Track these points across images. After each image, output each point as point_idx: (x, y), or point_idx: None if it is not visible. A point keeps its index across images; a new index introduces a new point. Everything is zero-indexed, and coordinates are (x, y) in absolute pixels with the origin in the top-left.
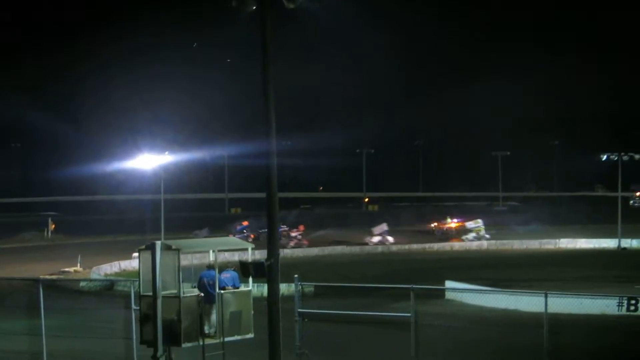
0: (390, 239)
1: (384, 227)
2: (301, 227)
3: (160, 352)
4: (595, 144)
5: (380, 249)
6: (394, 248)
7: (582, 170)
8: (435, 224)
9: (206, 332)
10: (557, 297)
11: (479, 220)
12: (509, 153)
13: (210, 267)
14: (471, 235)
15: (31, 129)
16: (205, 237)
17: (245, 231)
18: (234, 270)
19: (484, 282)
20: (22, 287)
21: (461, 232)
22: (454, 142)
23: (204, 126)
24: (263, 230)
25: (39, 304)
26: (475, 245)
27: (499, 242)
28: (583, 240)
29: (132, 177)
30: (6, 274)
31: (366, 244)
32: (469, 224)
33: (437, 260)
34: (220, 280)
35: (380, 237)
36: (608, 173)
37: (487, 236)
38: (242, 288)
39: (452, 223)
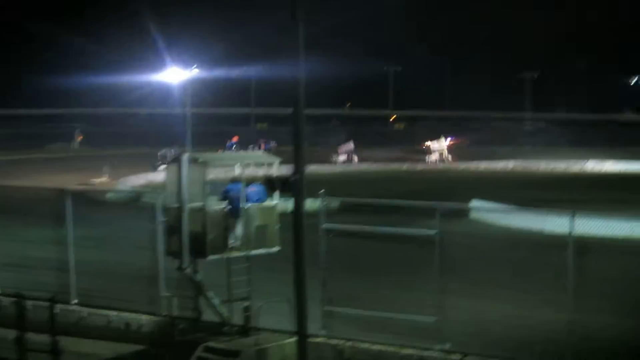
0: (356, 158)
1: (350, 145)
2: (350, 143)
3: (185, 264)
4: (627, 67)
5: (405, 167)
6: (419, 167)
7: (612, 93)
8: (429, 142)
9: (231, 244)
10: (585, 218)
11: (443, 140)
12: (536, 75)
13: (235, 180)
14: (433, 156)
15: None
16: (172, 156)
17: (234, 147)
18: (260, 184)
19: (510, 202)
20: (50, 197)
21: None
22: (482, 62)
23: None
24: (251, 145)
25: (65, 213)
26: (500, 165)
27: (524, 162)
28: (611, 162)
29: (159, 90)
30: (33, 184)
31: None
32: (433, 145)
33: (462, 180)
34: (246, 194)
35: (345, 156)
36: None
37: (449, 158)
38: (268, 202)
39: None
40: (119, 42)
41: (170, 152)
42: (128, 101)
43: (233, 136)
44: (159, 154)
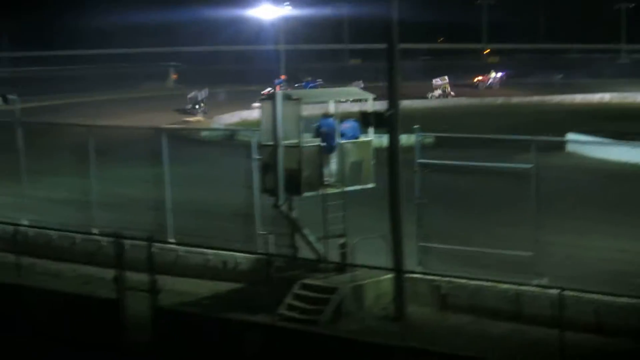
0: (452, 92)
1: (445, 80)
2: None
3: (281, 201)
4: None
5: (499, 100)
6: (514, 100)
7: None
8: (480, 77)
9: (326, 181)
10: None
11: (446, 77)
12: (631, 5)
13: (328, 116)
14: (437, 92)
15: None
16: (204, 98)
17: (281, 85)
18: (354, 120)
19: (606, 135)
20: (145, 135)
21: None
22: None
23: None
24: (298, 84)
25: (161, 152)
26: (596, 98)
27: (621, 95)
28: None
29: (252, 27)
30: (129, 123)
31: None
32: (435, 81)
33: (557, 112)
34: (341, 130)
35: (441, 91)
36: None
37: (452, 94)
38: (363, 138)
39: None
40: None
41: (201, 94)
42: (221, 39)
43: (280, 75)
44: (188, 96)
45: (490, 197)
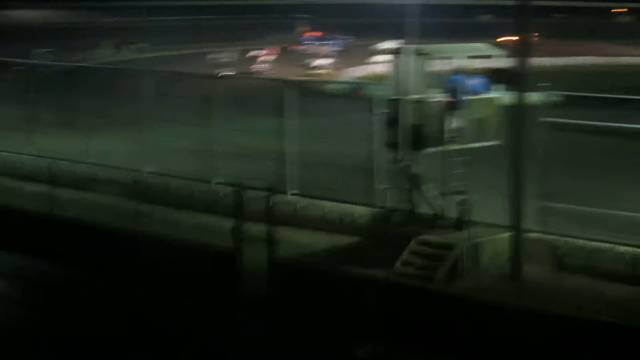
0: None
1: None
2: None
3: (401, 155)
4: None
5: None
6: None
7: None
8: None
9: (450, 137)
10: None
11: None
12: None
13: (458, 72)
14: None
15: None
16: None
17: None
18: (483, 76)
19: None
20: (271, 87)
21: None
22: None
23: None
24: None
25: (285, 105)
26: None
27: None
28: None
29: None
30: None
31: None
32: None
33: None
34: (468, 86)
35: None
36: None
37: None
38: (489, 95)
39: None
40: None
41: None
42: None
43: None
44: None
45: (615, 158)
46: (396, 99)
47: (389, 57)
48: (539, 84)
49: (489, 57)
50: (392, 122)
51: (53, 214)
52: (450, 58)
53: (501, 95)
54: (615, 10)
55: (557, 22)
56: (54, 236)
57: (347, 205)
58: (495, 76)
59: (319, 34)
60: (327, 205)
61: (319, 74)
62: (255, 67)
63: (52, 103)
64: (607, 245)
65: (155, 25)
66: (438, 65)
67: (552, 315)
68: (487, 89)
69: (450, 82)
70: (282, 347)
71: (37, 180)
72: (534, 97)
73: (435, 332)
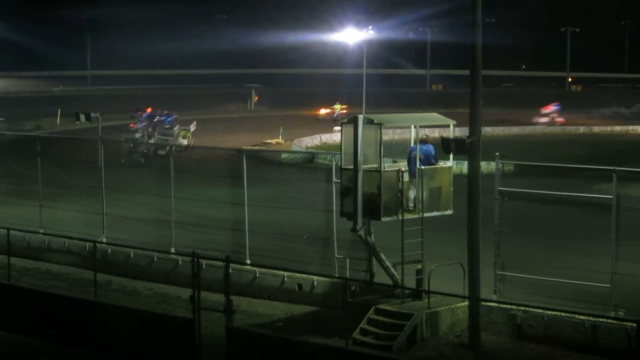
0: (559, 119)
1: (555, 107)
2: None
3: (359, 225)
4: None
5: (581, 129)
6: (596, 129)
7: None
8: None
9: (406, 207)
10: None
11: (553, 106)
12: None
13: (411, 141)
14: (543, 119)
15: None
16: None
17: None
18: (433, 145)
19: None
20: (226, 156)
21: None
22: None
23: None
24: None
25: (242, 173)
26: None
27: None
28: None
29: (333, 51)
30: (210, 143)
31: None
32: (545, 109)
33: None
34: (423, 155)
35: (547, 118)
36: None
37: (561, 120)
38: (443, 164)
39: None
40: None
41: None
42: (303, 62)
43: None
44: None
45: (570, 227)
46: (350, 168)
47: (344, 126)
48: (492, 153)
49: (441, 126)
50: (348, 191)
51: (11, 284)
52: (403, 127)
53: (454, 165)
54: (570, 79)
55: (507, 92)
56: (12, 306)
57: (305, 274)
58: (448, 145)
59: (148, 110)
60: (285, 274)
61: (275, 143)
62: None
63: (4, 172)
64: (565, 314)
65: (102, 94)
66: (390, 135)
67: None
68: (439, 159)
69: (413, 152)
70: None
71: None
72: (487, 166)
73: None
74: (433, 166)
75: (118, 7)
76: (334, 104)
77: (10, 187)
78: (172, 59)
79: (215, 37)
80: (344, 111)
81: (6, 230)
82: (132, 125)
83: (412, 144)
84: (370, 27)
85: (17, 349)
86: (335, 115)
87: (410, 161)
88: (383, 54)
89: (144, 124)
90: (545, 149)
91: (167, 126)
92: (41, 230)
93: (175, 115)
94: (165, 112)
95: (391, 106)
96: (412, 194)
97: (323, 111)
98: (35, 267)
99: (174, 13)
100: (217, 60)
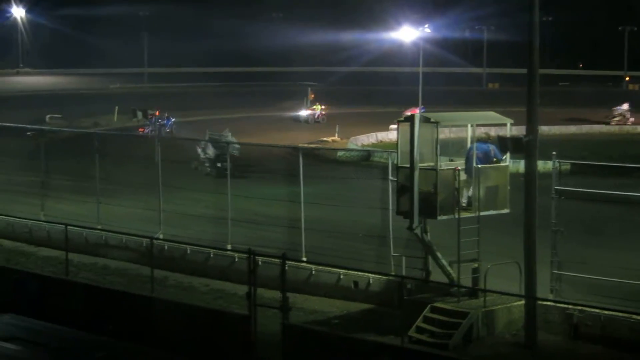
0: (631, 119)
1: (624, 106)
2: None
3: (416, 223)
4: None
5: (639, 129)
6: None
7: None
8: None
9: (462, 205)
10: None
11: (626, 105)
12: None
13: (468, 140)
14: (616, 118)
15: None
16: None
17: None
18: (492, 144)
19: None
20: (282, 154)
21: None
22: None
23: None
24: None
25: (298, 171)
26: None
27: None
28: None
29: (391, 49)
30: (267, 141)
31: (607, 122)
32: (616, 108)
33: None
34: (480, 154)
35: (619, 117)
36: None
37: (632, 120)
38: (500, 163)
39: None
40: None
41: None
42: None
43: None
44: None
45: (627, 227)
46: (407, 167)
47: (401, 125)
48: (548, 152)
49: (498, 125)
50: (404, 189)
51: (69, 279)
52: (459, 126)
53: (511, 164)
54: (627, 77)
55: (564, 90)
56: (70, 301)
57: (361, 272)
58: (505, 144)
59: (157, 113)
60: (341, 272)
61: (331, 141)
62: None
63: (63, 169)
64: (623, 314)
65: (159, 92)
66: (447, 133)
67: None
68: (497, 157)
69: (464, 150)
70: None
71: (50, 246)
72: (544, 165)
73: None
74: (490, 165)
75: (177, 4)
76: (315, 104)
77: (68, 184)
78: (229, 57)
79: (272, 36)
80: (324, 112)
81: (64, 226)
82: (140, 129)
83: (470, 143)
84: (426, 25)
85: (75, 344)
86: (315, 116)
87: (468, 160)
88: (439, 52)
89: (150, 128)
90: (603, 148)
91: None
92: (99, 227)
93: (174, 120)
94: (166, 115)
95: (448, 104)
96: (467, 192)
97: (304, 112)
98: (92, 263)
99: (231, 12)
100: (273, 58)
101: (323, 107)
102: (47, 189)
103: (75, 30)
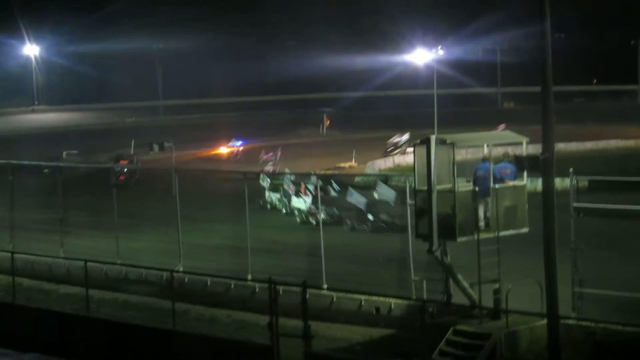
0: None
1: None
2: None
3: (435, 246)
4: None
5: None
6: None
7: None
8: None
9: (481, 226)
10: None
11: None
12: None
13: (484, 160)
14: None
15: (304, 26)
16: (406, 141)
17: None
18: (509, 163)
19: None
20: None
21: None
22: None
23: (476, 19)
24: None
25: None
26: None
27: None
28: None
29: (405, 72)
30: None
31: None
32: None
33: None
34: (497, 174)
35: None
36: None
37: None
38: (517, 182)
39: None
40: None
41: (402, 139)
42: (375, 85)
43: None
44: (388, 141)
45: None
46: (424, 189)
47: (417, 147)
48: (566, 169)
49: (514, 144)
50: (422, 212)
51: (89, 316)
52: (476, 146)
53: (528, 182)
54: None
55: (579, 107)
56: (91, 337)
57: (382, 297)
58: (521, 163)
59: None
60: (362, 297)
61: (348, 167)
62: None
63: (80, 205)
64: None
65: (174, 124)
66: (463, 154)
67: None
68: (514, 176)
69: (480, 170)
70: None
71: (71, 283)
72: (561, 182)
73: None
74: (506, 184)
75: (188, 37)
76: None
77: (86, 220)
78: (243, 86)
79: (285, 63)
80: (241, 148)
81: (84, 262)
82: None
83: (480, 163)
84: (439, 47)
85: None
86: (235, 154)
87: (477, 180)
88: (452, 74)
89: None
90: (621, 163)
91: None
92: (118, 261)
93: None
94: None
95: (463, 125)
96: (481, 212)
97: (224, 150)
98: (113, 298)
99: (243, 41)
100: (286, 86)
101: (240, 143)
102: (65, 225)
103: (88, 66)
